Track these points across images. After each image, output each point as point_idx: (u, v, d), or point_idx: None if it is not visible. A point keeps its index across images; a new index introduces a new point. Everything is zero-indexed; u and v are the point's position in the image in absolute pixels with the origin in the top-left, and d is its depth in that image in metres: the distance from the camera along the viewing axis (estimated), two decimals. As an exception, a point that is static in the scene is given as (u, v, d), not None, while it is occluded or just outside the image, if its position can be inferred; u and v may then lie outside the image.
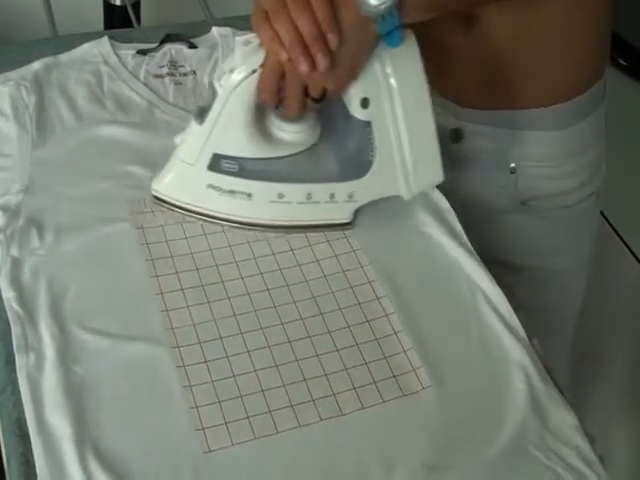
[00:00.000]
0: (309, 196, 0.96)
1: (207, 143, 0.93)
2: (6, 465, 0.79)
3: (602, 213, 2.28)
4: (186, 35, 1.24)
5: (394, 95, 0.92)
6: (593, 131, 1.13)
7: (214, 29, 1.25)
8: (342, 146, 0.96)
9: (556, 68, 1.05)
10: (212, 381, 0.83)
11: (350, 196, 0.98)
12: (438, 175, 0.99)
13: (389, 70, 0.91)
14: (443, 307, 0.93)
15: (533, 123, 1.09)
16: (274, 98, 0.89)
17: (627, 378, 2.03)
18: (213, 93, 0.91)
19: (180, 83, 1.17)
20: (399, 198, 1.00)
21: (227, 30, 1.25)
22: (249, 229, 0.98)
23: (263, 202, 0.96)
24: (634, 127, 2.57)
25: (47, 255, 0.92)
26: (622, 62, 2.81)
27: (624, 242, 2.34)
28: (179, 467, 0.77)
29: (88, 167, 1.03)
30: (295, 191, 0.96)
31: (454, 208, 1.03)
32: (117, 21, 2.12)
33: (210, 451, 0.78)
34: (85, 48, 1.20)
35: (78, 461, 0.76)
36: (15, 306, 0.87)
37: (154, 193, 0.98)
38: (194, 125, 0.93)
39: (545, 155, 1.12)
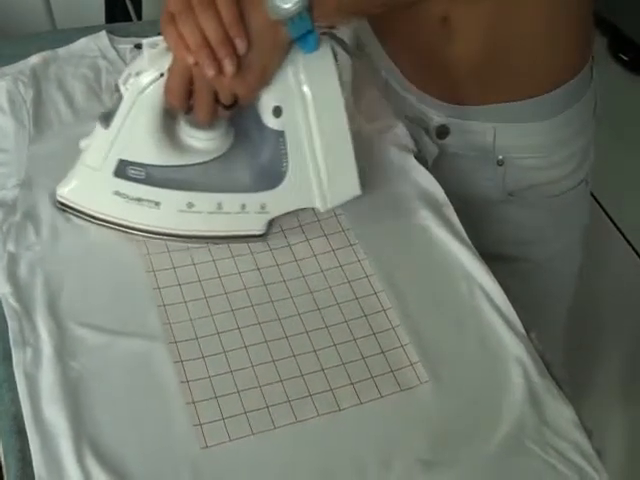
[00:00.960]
0: (219, 206, 0.93)
1: (112, 148, 0.90)
2: (3, 461, 0.79)
3: (602, 207, 2.29)
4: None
5: (308, 104, 0.90)
6: (581, 118, 1.13)
7: (212, 23, 1.24)
8: (255, 155, 0.94)
9: (540, 59, 1.05)
10: (209, 376, 0.83)
11: (262, 207, 0.95)
12: (354, 188, 0.96)
13: (303, 78, 0.88)
14: (441, 301, 0.93)
15: (520, 115, 1.08)
16: (182, 103, 0.87)
17: (623, 371, 2.03)
18: (119, 96, 0.88)
19: (178, 77, 1.17)
20: (398, 191, 1.00)
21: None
22: (157, 239, 0.95)
23: (172, 211, 0.93)
24: (635, 121, 2.57)
25: (44, 250, 0.92)
26: (623, 57, 2.81)
27: (624, 236, 2.34)
28: (176, 463, 0.77)
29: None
30: (205, 201, 0.93)
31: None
32: (120, 15, 2.12)
33: (207, 447, 0.78)
34: (83, 42, 1.20)
35: (75, 457, 0.76)
36: (12, 301, 0.87)
37: (58, 198, 0.95)
38: (99, 129, 0.90)
39: (533, 146, 1.12)
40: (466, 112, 1.09)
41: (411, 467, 0.78)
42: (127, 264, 0.93)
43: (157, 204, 0.92)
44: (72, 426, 0.78)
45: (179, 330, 0.87)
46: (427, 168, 1.05)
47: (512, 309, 0.92)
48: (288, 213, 0.97)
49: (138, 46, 1.19)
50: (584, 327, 1.72)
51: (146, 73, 0.86)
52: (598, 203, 2.24)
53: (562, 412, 0.84)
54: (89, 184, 0.93)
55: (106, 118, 0.89)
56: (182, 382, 0.82)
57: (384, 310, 0.91)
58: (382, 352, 0.87)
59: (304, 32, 0.84)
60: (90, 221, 0.94)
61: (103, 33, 1.21)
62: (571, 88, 1.08)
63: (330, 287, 0.93)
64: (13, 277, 0.89)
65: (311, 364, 0.85)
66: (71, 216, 0.95)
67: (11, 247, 0.92)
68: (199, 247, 0.95)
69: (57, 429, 0.78)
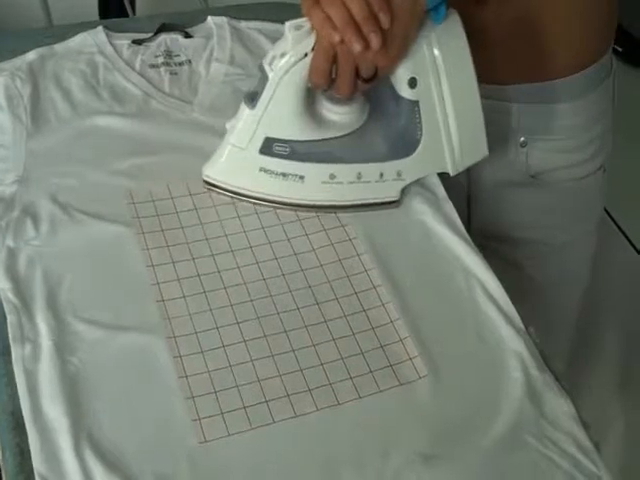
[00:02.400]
0: (359, 176, 0.98)
1: (259, 127, 0.94)
2: (1, 456, 0.79)
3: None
4: (181, 24, 1.24)
5: (441, 74, 0.94)
6: (603, 102, 1.15)
7: (209, 18, 1.24)
8: (390, 126, 0.98)
9: (567, 36, 1.07)
10: (208, 371, 0.83)
11: (398, 174, 0.99)
12: (483, 150, 1.02)
13: (436, 49, 0.93)
14: (439, 296, 0.93)
15: (547, 95, 1.10)
16: (327, 81, 0.91)
17: (621, 366, 2.02)
18: (263, 77, 0.92)
19: (176, 73, 1.17)
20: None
21: (222, 19, 1.24)
22: (301, 211, 0.99)
23: (315, 183, 0.98)
24: (630, 114, 2.56)
25: (42, 245, 0.92)
26: (617, 48, 2.80)
27: (620, 229, 2.33)
28: (175, 457, 0.77)
29: (83, 158, 1.03)
30: (346, 171, 0.98)
31: (463, 183, 1.03)
32: (112, 10, 2.13)
33: (206, 441, 0.78)
34: (80, 38, 1.20)
35: (74, 452, 0.76)
36: (11, 296, 0.87)
37: (205, 178, 0.99)
38: (245, 109, 0.94)
39: (556, 127, 1.13)
40: (493, 91, 1.10)
41: (410, 461, 0.78)
42: (126, 259, 0.92)
43: (301, 177, 0.97)
44: (71, 421, 0.78)
45: (178, 325, 0.87)
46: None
47: (510, 303, 0.92)
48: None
49: (136, 42, 1.20)
50: (586, 326, 1.71)
51: (290, 54, 0.90)
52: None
53: (560, 406, 0.84)
54: (236, 163, 0.98)
55: (251, 98, 0.94)
56: (181, 377, 0.82)
57: (383, 304, 0.91)
58: (381, 346, 0.87)
59: (438, 3, 0.88)
60: (237, 198, 0.99)
61: (100, 29, 1.21)
62: (597, 70, 1.11)
63: (329, 281, 0.93)
64: (12, 272, 0.89)
65: (310, 358, 0.85)
66: (73, 212, 0.96)
67: (10, 242, 0.92)
68: (197, 241, 0.95)
69: (56, 424, 0.78)
